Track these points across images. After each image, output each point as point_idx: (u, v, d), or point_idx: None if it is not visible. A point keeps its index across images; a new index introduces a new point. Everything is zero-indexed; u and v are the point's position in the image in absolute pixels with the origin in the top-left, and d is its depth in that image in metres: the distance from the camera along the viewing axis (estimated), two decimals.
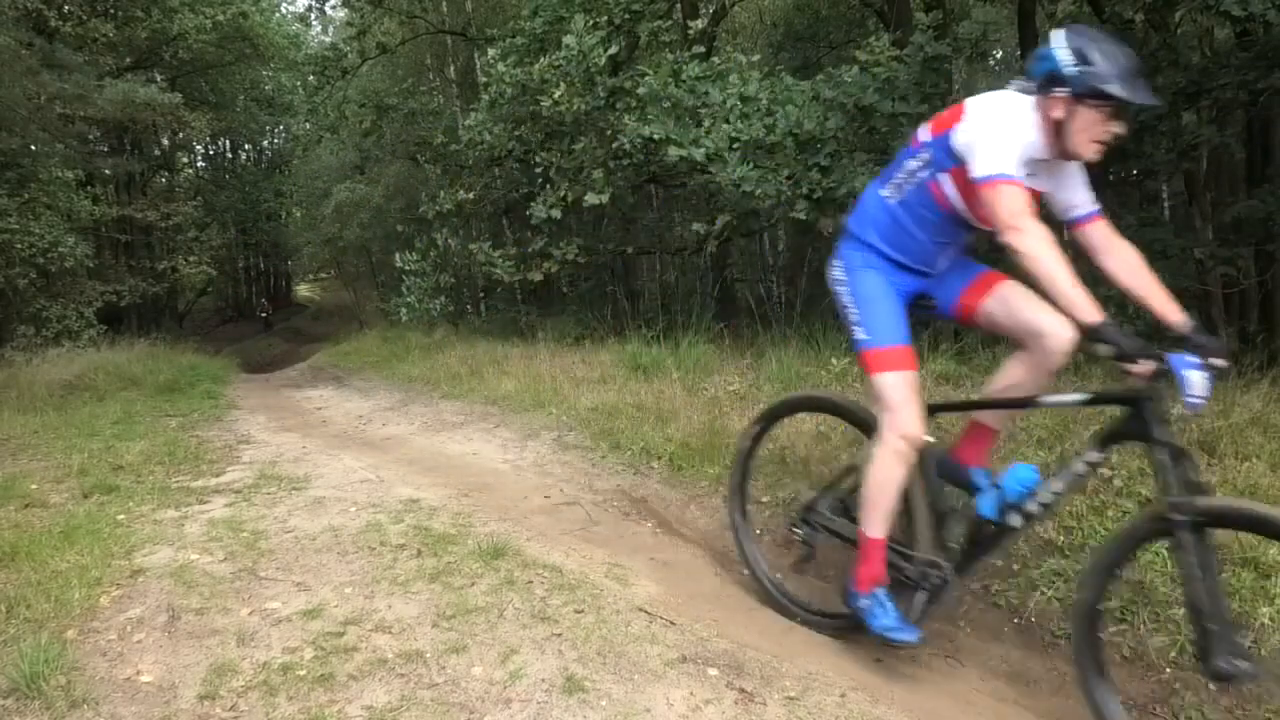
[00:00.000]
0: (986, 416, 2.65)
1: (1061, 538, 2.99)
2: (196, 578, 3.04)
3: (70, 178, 12.44)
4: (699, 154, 6.41)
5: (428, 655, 2.44)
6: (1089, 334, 2.05)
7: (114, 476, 4.63)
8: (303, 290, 35.13)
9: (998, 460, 3.07)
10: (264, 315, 25.92)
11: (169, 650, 2.51)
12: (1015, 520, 2.39)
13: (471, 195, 9.72)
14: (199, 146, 21.52)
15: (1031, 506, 2.35)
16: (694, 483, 4.17)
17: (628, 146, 7.32)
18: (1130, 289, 2.37)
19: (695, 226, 7.78)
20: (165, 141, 18.09)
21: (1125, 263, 2.40)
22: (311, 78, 12.54)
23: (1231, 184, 6.89)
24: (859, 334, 2.53)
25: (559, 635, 2.56)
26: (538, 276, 9.17)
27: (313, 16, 17.63)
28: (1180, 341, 2.18)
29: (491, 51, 9.17)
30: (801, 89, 6.43)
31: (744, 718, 2.17)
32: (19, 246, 10.31)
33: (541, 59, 8.04)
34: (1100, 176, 6.36)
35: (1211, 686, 2.14)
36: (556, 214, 8.36)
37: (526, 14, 9.03)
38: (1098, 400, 2.43)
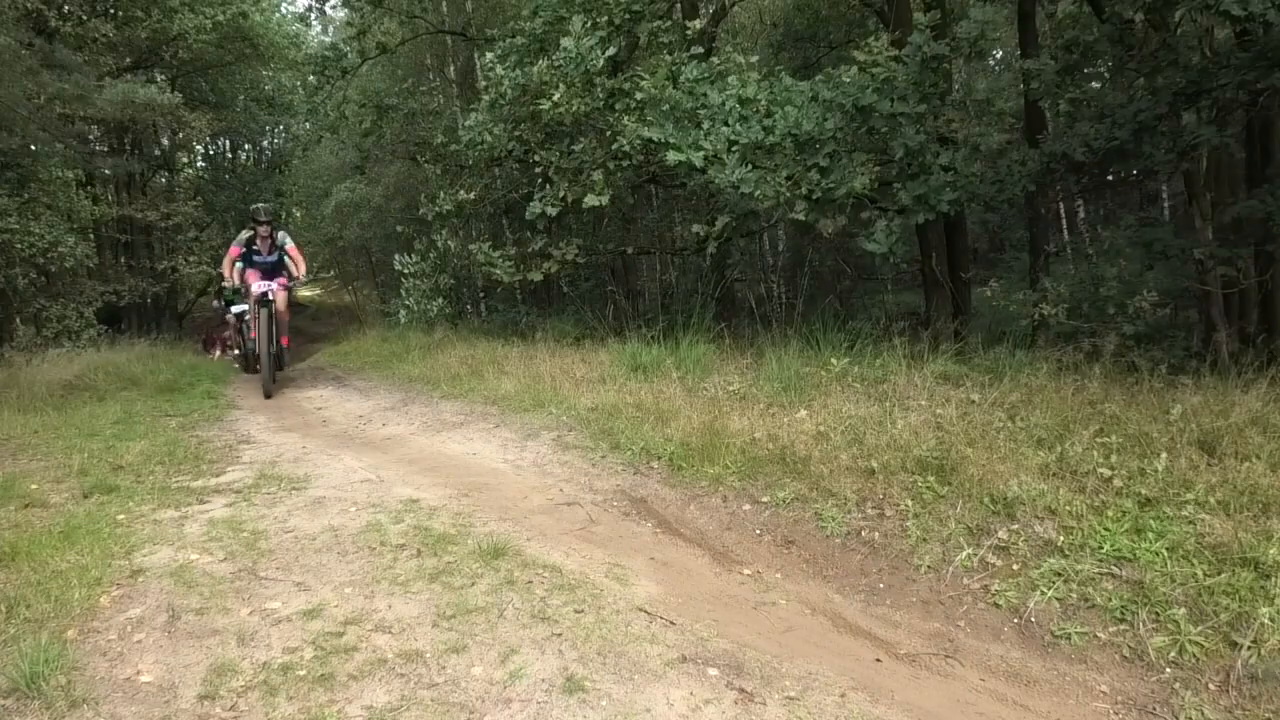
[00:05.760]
0: None
1: (1061, 538, 3.00)
2: (196, 578, 3.04)
3: (70, 178, 12.41)
4: (698, 158, 6.40)
5: (428, 655, 2.44)
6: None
7: (114, 476, 4.63)
8: (302, 291, 35.14)
9: None
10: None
11: (169, 650, 2.51)
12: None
13: (471, 196, 9.69)
14: (199, 146, 21.43)
15: None
16: (694, 483, 4.17)
17: (627, 148, 7.31)
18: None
19: (695, 228, 7.78)
20: (165, 141, 18.02)
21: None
22: (311, 78, 12.51)
23: (1231, 184, 6.88)
24: None
25: (559, 635, 2.57)
26: (537, 276, 9.16)
27: (313, 16, 17.63)
28: None
29: (490, 54, 9.15)
30: (800, 89, 6.42)
31: (744, 718, 2.18)
32: (19, 246, 10.28)
33: (541, 60, 8.03)
34: (1100, 177, 6.38)
35: None
36: (552, 211, 8.37)
37: (526, 14, 9.03)
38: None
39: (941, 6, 7.61)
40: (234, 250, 8.46)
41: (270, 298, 8.25)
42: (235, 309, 10.77)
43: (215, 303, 15.28)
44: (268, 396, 8.18)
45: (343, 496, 4.17)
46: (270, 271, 8.51)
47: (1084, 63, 5.98)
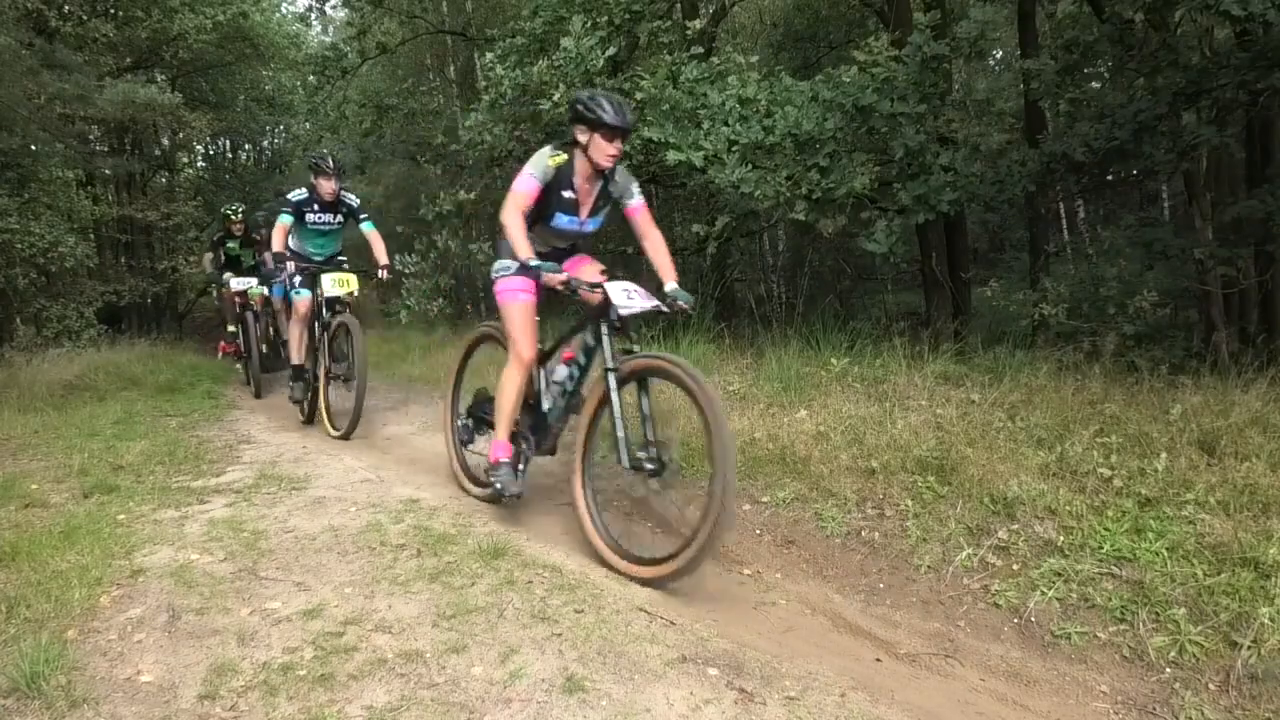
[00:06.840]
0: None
1: (1061, 538, 3.00)
2: (196, 578, 3.04)
3: (70, 178, 12.39)
4: (698, 158, 6.40)
5: (428, 655, 2.44)
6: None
7: (114, 476, 4.62)
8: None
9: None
10: None
11: (169, 650, 2.51)
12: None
13: (471, 196, 9.69)
14: (199, 146, 21.38)
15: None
16: (694, 483, 4.16)
17: (627, 148, 7.30)
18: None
19: (695, 228, 7.77)
20: (165, 141, 17.99)
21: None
22: (311, 78, 12.52)
23: (1231, 184, 6.89)
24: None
25: (559, 635, 2.56)
26: None
27: (313, 16, 17.58)
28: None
29: (490, 54, 9.15)
30: (800, 89, 6.42)
31: (744, 718, 2.18)
32: (19, 246, 10.27)
33: (541, 60, 8.03)
34: (1100, 177, 6.39)
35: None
36: None
37: (526, 14, 9.03)
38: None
39: (941, 6, 7.61)
40: (529, 187, 3.61)
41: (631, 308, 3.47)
42: (236, 284, 7.06)
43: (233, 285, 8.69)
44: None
45: (343, 496, 4.17)
46: (570, 250, 4.20)
47: (1084, 63, 5.98)
